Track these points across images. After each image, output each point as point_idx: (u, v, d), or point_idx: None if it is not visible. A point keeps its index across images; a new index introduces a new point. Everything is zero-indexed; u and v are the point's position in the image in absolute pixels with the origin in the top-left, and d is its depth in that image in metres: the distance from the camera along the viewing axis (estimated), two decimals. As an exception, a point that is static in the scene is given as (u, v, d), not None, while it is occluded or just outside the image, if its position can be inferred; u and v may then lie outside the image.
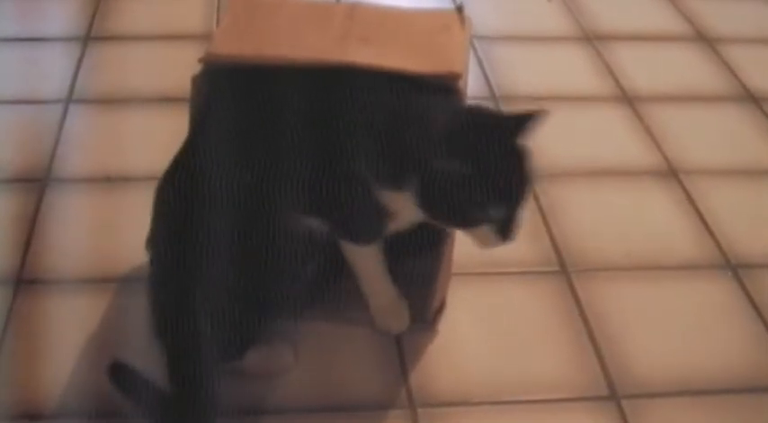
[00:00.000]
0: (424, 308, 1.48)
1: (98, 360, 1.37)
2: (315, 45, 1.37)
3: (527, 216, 1.31)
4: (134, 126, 1.93)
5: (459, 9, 1.48)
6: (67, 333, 1.46)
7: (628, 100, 2.09)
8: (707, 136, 2.01)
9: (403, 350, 1.47)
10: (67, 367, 1.40)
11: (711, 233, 1.73)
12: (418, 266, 1.45)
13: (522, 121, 1.24)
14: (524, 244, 1.65)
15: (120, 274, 1.57)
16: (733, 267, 1.66)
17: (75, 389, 1.37)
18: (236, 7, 1.53)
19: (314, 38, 1.39)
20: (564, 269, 1.64)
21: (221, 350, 1.32)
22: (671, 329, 1.55)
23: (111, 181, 1.68)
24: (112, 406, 1.32)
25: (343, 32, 1.40)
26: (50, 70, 2.10)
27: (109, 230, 1.66)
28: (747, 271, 1.66)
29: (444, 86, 1.31)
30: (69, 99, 1.98)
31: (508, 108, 1.99)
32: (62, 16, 2.29)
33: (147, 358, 1.33)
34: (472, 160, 1.21)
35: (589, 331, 1.52)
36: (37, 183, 1.75)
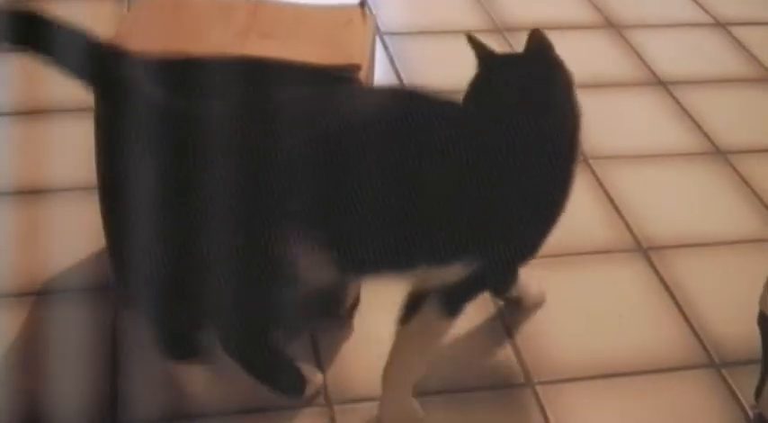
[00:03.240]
0: (337, 304, 1.48)
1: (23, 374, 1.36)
2: (216, 41, 1.37)
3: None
4: (52, 137, 1.89)
5: (362, 4, 1.49)
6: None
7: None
8: (615, 121, 2.04)
9: (318, 347, 1.46)
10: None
11: (622, 217, 1.75)
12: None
13: None
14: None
15: (43, 286, 1.55)
16: (644, 250, 1.68)
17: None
18: (137, 6, 1.53)
19: (215, 34, 1.39)
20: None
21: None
22: (586, 314, 1.56)
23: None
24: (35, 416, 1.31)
25: (245, 28, 1.40)
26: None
27: (31, 243, 1.64)
28: (658, 253, 1.68)
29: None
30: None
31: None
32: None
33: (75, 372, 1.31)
34: None
35: (503, 321, 1.53)
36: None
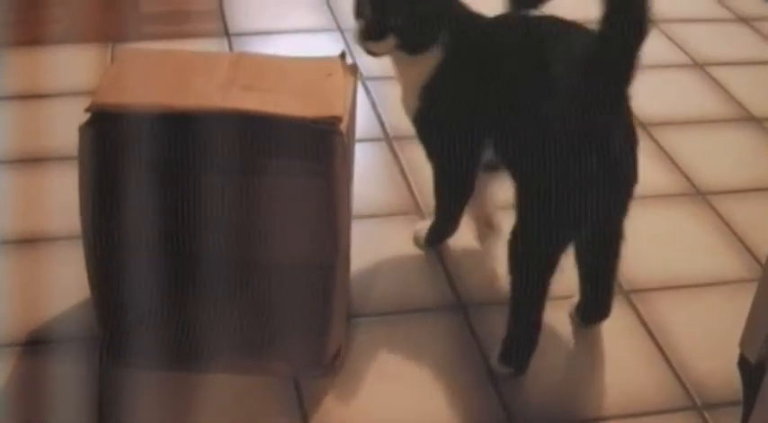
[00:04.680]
0: (320, 353, 1.49)
1: None
2: (198, 93, 1.39)
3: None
4: (44, 185, 1.89)
5: (342, 56, 1.50)
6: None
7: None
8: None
9: (302, 396, 1.46)
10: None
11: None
12: (309, 314, 1.46)
13: None
14: (425, 282, 1.68)
15: (32, 336, 1.55)
16: (626, 293, 1.70)
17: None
18: (122, 58, 1.54)
19: (199, 86, 1.40)
20: (461, 303, 1.66)
21: None
22: (569, 356, 1.58)
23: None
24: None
25: (227, 80, 1.41)
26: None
27: (30, 291, 1.64)
28: (639, 295, 1.70)
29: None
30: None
31: (402, 149, 2.02)
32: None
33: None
34: None
35: (488, 371, 1.54)
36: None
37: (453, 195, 1.70)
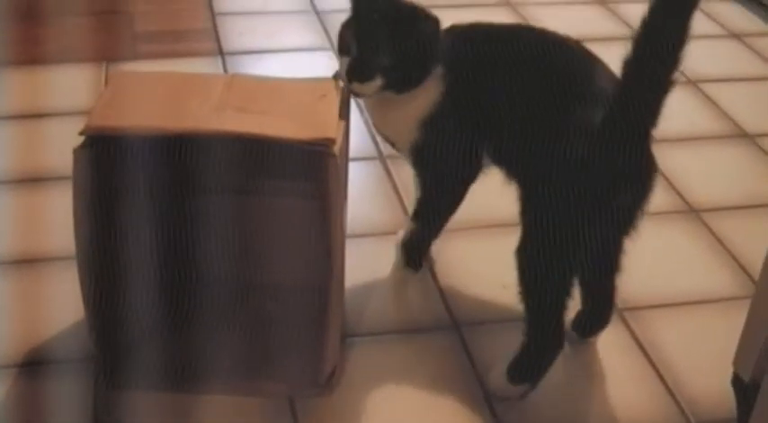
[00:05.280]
0: (316, 373, 1.49)
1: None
2: (193, 115, 1.39)
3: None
4: (43, 205, 1.89)
5: (336, 77, 1.51)
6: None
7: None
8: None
9: (297, 416, 1.46)
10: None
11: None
12: (305, 334, 1.46)
13: None
14: (419, 302, 1.69)
15: (29, 357, 1.55)
16: (620, 311, 1.70)
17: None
18: (115, 80, 1.55)
19: (193, 108, 1.41)
20: (455, 323, 1.66)
21: None
22: (562, 374, 1.58)
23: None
24: None
25: (221, 102, 1.42)
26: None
27: (27, 311, 1.64)
28: (633, 314, 1.70)
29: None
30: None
31: (395, 167, 2.03)
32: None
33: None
34: None
35: (483, 390, 1.55)
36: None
37: (447, 208, 1.67)
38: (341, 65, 1.49)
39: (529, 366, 1.51)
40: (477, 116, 1.49)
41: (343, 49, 1.49)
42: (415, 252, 1.74)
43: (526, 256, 1.45)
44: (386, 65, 1.45)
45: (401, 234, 1.75)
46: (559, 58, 1.46)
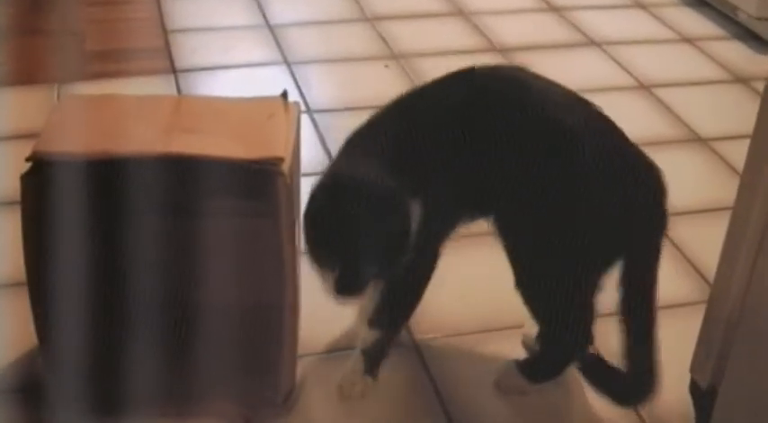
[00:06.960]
0: (273, 392, 1.48)
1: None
2: (140, 138, 1.38)
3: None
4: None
5: (284, 95, 1.50)
6: None
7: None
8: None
9: (256, 438, 1.46)
10: None
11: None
12: (259, 353, 1.45)
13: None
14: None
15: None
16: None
17: None
18: (63, 105, 1.54)
19: (140, 131, 1.40)
20: (412, 339, 1.65)
21: None
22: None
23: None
24: None
25: (169, 124, 1.41)
26: None
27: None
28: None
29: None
30: None
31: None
32: None
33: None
34: None
35: (444, 410, 1.54)
36: None
37: (414, 301, 1.54)
38: (323, 277, 1.34)
39: (544, 370, 1.56)
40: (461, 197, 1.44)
41: (321, 263, 1.34)
42: (380, 356, 1.56)
43: (526, 289, 1.47)
44: (376, 270, 1.33)
45: (359, 344, 1.56)
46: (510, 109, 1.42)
